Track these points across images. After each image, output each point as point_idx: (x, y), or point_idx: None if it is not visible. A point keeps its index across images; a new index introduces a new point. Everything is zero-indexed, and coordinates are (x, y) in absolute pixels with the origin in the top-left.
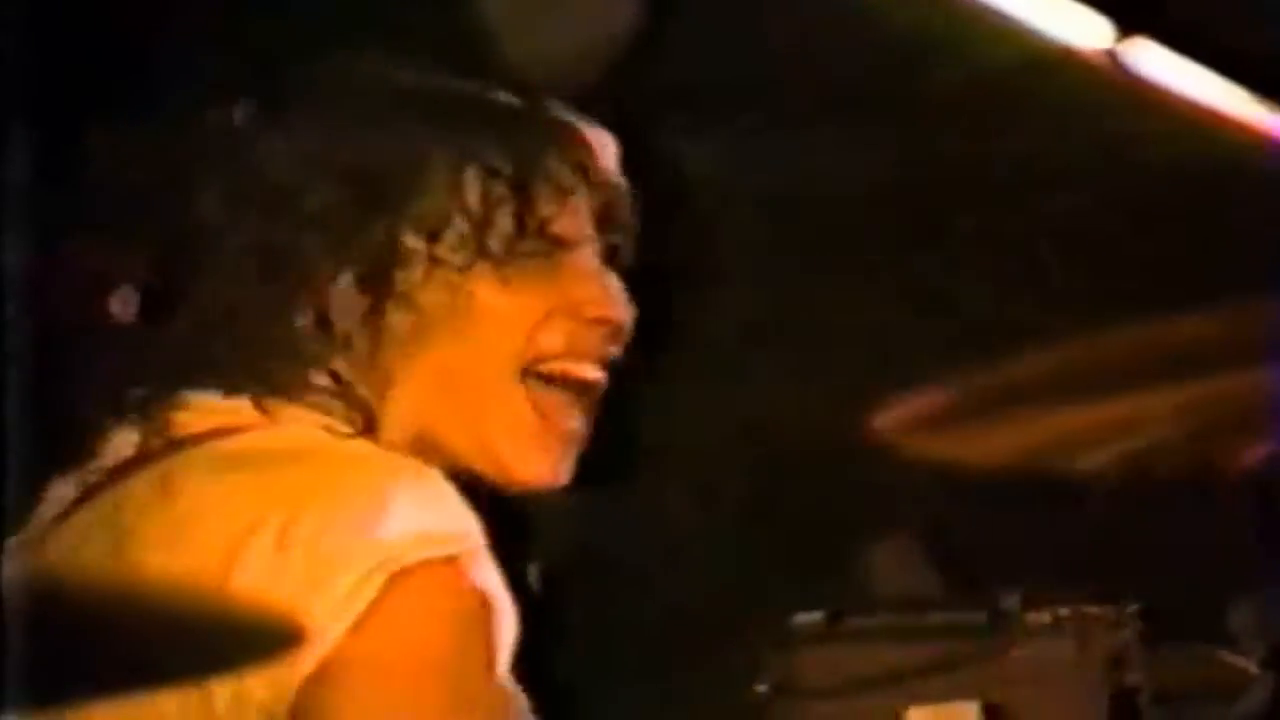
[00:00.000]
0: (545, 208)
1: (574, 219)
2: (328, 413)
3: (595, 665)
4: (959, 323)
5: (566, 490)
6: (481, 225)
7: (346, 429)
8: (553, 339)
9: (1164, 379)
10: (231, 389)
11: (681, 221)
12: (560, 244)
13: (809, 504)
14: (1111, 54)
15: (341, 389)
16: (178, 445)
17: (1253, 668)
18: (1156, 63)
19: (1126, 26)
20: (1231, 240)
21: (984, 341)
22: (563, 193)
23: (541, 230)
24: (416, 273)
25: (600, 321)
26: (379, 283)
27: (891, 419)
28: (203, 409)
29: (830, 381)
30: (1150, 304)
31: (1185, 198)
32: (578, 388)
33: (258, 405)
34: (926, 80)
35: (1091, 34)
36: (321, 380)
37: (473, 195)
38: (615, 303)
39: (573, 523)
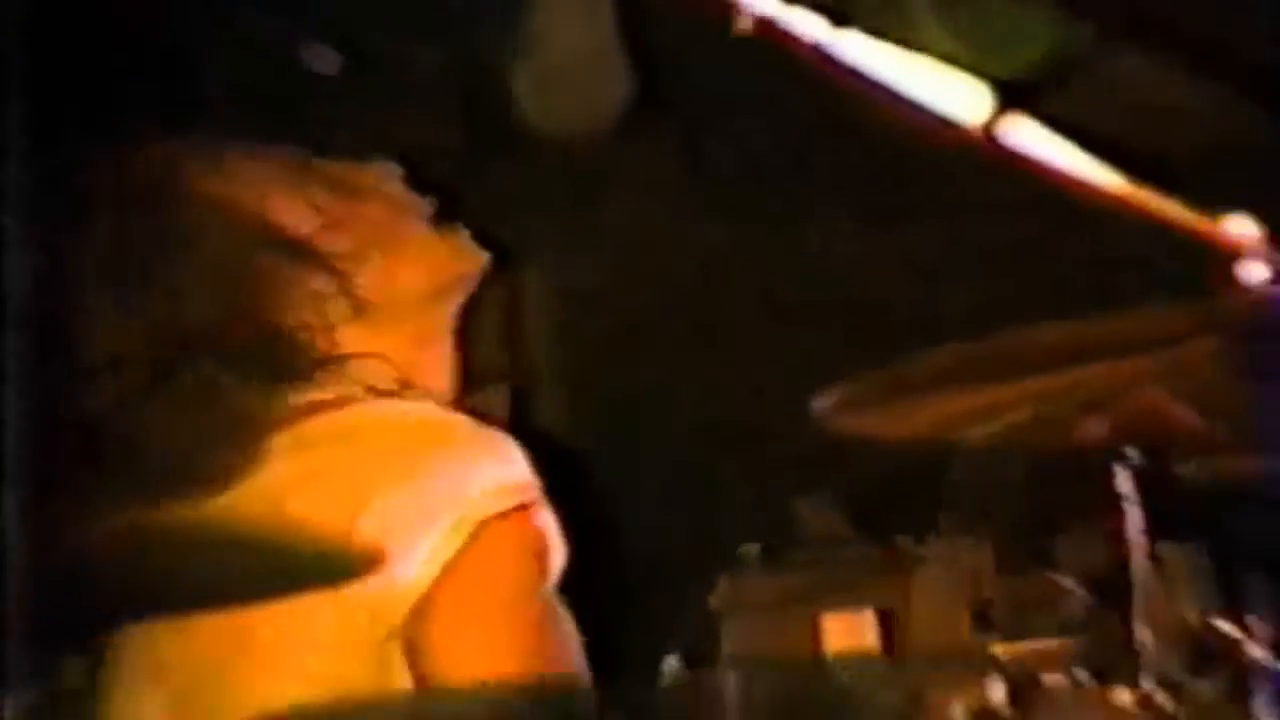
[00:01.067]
0: None
1: None
2: None
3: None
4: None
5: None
6: None
7: None
8: None
9: (1033, 371)
10: None
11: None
12: None
13: (756, 467)
14: (988, 128)
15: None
16: (344, 401)
17: (1074, 586)
18: (1032, 138)
19: (1005, 103)
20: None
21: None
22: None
23: None
24: None
25: None
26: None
27: (828, 401)
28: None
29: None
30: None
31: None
32: None
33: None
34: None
35: (972, 109)
36: None
37: None
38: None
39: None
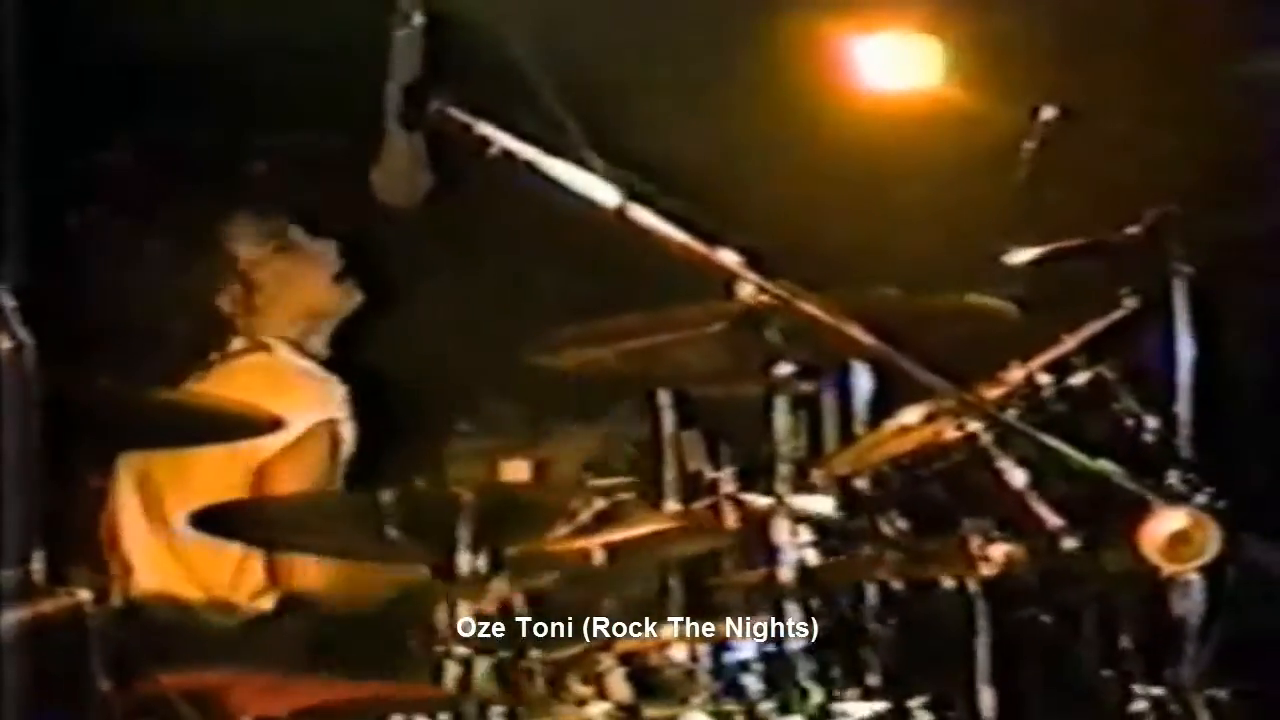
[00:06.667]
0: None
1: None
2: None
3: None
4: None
5: None
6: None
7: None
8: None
9: (628, 338)
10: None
11: None
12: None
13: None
14: (620, 210)
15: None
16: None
17: (630, 449)
18: (647, 217)
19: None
20: None
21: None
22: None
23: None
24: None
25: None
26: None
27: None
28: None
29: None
30: None
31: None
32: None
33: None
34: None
35: (607, 196)
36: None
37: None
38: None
39: None
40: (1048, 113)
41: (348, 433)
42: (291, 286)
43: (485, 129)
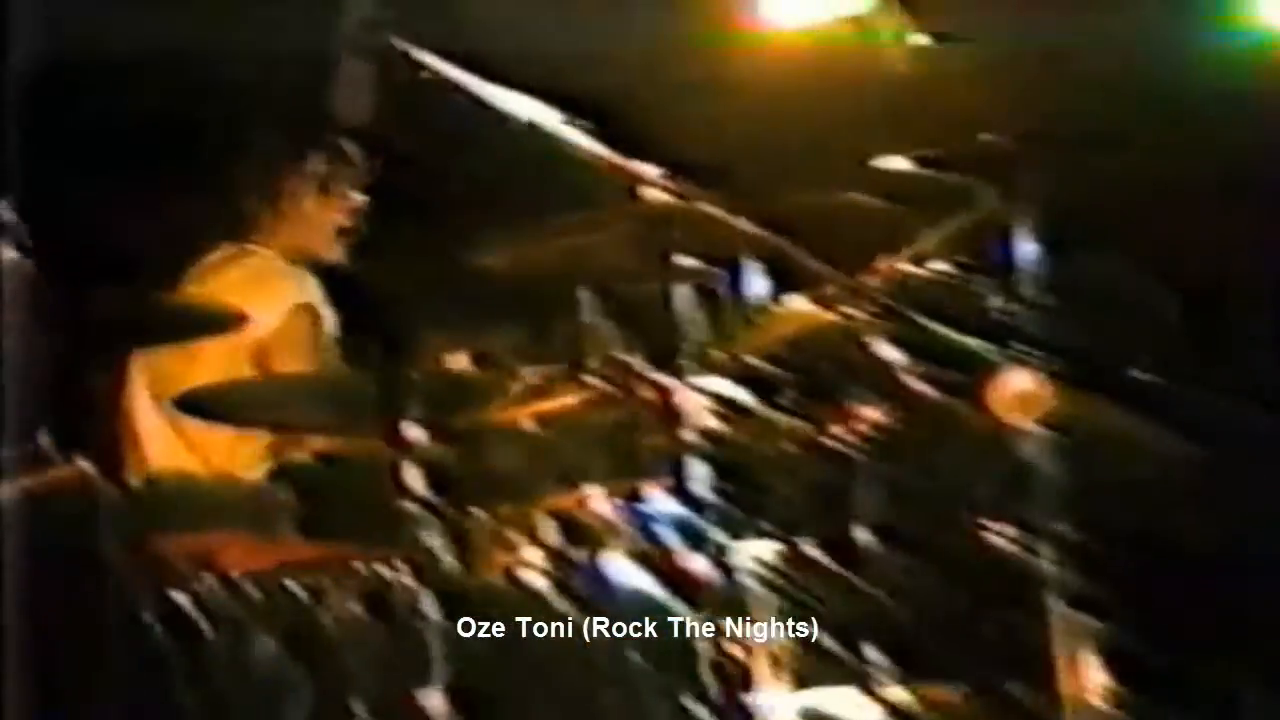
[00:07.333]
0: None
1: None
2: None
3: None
4: None
5: None
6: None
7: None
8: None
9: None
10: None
11: None
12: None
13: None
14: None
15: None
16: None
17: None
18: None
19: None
20: None
21: None
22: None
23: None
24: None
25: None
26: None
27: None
28: None
29: None
30: None
31: None
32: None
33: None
34: None
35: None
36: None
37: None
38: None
39: None
40: (921, 39)
41: (327, 313)
42: (300, 216)
43: (423, 56)
